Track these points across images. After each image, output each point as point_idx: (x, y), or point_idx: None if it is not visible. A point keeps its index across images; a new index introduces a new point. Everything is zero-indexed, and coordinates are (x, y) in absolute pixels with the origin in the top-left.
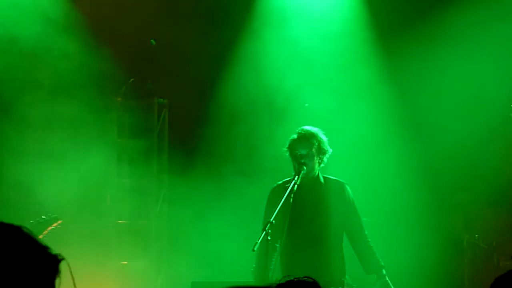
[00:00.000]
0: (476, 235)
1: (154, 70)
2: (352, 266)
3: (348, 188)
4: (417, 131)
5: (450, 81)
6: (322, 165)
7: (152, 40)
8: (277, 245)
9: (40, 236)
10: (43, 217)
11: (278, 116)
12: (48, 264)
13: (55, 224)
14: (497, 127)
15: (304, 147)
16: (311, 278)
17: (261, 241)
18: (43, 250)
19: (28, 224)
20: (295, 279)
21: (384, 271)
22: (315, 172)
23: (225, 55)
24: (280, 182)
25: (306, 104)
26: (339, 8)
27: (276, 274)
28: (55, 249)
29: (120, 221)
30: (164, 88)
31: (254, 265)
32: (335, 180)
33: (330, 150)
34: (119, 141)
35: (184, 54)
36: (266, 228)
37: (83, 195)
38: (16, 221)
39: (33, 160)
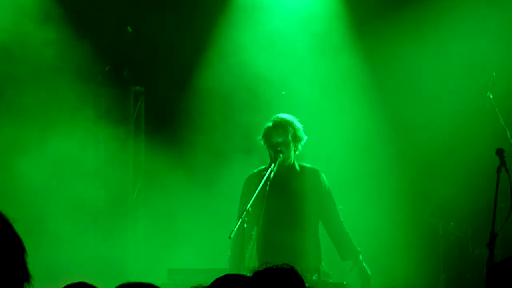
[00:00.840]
0: (451, 223)
1: (130, 58)
2: (327, 254)
3: (323, 175)
4: (393, 119)
5: (426, 70)
6: (297, 152)
7: (128, 28)
8: (253, 233)
9: None
10: None
11: (256, 104)
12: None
13: None
14: (472, 115)
15: (280, 135)
16: (289, 265)
17: (237, 229)
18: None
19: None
20: (273, 266)
21: (361, 257)
22: (291, 160)
23: (203, 43)
24: (256, 170)
25: (283, 92)
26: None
27: (252, 262)
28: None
29: (96, 209)
30: (141, 76)
31: (229, 253)
32: (311, 167)
33: (305, 137)
34: (95, 129)
35: (161, 41)
36: (243, 216)
37: (58, 183)
38: None
39: (8, 147)
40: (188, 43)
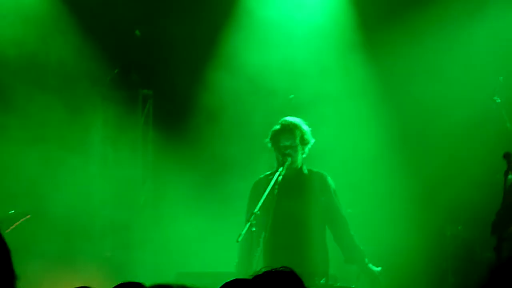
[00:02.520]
0: (459, 227)
1: (139, 61)
2: (336, 258)
3: (330, 179)
4: (402, 125)
5: (434, 71)
6: (304, 155)
7: (137, 31)
8: (261, 239)
9: (8, 231)
10: (11, 211)
11: (266, 108)
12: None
13: (23, 219)
14: (480, 119)
15: (288, 138)
16: (288, 268)
17: (245, 233)
18: None
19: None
20: (272, 270)
21: (366, 260)
22: (299, 164)
23: (211, 46)
24: (263, 175)
25: (291, 96)
26: (325, 4)
27: (260, 267)
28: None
29: (104, 212)
30: (149, 79)
31: (237, 259)
32: (318, 172)
33: (312, 141)
34: (104, 132)
35: (169, 45)
36: (251, 219)
37: (66, 185)
38: None
39: (18, 148)
40: (197, 46)
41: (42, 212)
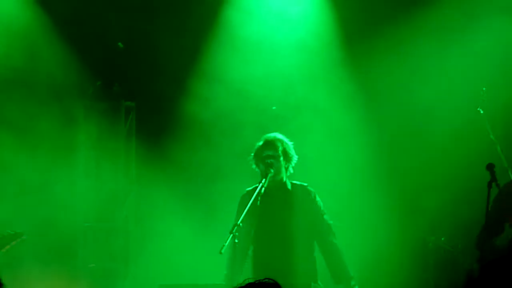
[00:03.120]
0: (442, 238)
1: (121, 73)
2: (318, 270)
3: (314, 192)
4: (384, 134)
5: (417, 83)
6: (288, 173)
7: (119, 43)
8: (248, 251)
9: (2, 250)
10: (7, 231)
11: (249, 119)
12: None
13: (18, 240)
14: (462, 130)
15: (270, 149)
16: (272, 280)
17: (228, 244)
18: None
19: None
20: (256, 281)
21: (353, 282)
22: (283, 177)
23: (193, 59)
24: (250, 188)
25: (274, 107)
26: (308, 12)
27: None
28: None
29: (86, 224)
30: (132, 91)
31: (225, 271)
32: (301, 184)
33: (296, 157)
34: (86, 143)
35: (152, 57)
36: (233, 231)
37: (48, 196)
38: None
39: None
40: (180, 58)
41: (24, 223)
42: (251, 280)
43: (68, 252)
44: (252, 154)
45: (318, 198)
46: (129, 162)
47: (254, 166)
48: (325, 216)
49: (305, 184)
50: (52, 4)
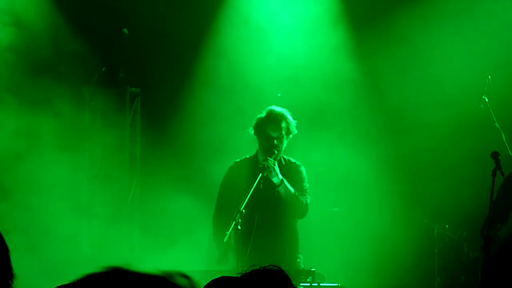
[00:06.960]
0: (447, 226)
1: (126, 59)
2: (323, 258)
3: (303, 169)
4: (390, 123)
5: (421, 73)
6: (285, 145)
7: (124, 29)
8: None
9: None
10: None
11: (254, 105)
12: None
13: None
14: (467, 118)
15: (275, 130)
16: (277, 267)
17: (230, 231)
18: None
19: None
20: (260, 268)
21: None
22: (280, 154)
23: (199, 44)
24: (238, 160)
25: (279, 95)
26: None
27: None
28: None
29: (91, 210)
30: (137, 77)
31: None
32: (293, 162)
33: (295, 131)
34: (91, 130)
35: (157, 43)
36: (236, 218)
37: (53, 184)
38: None
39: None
40: (185, 43)
41: (33, 212)
42: (255, 267)
43: (73, 239)
44: (252, 125)
45: (304, 173)
46: (134, 148)
47: (252, 133)
48: (304, 183)
49: (296, 161)
50: None
